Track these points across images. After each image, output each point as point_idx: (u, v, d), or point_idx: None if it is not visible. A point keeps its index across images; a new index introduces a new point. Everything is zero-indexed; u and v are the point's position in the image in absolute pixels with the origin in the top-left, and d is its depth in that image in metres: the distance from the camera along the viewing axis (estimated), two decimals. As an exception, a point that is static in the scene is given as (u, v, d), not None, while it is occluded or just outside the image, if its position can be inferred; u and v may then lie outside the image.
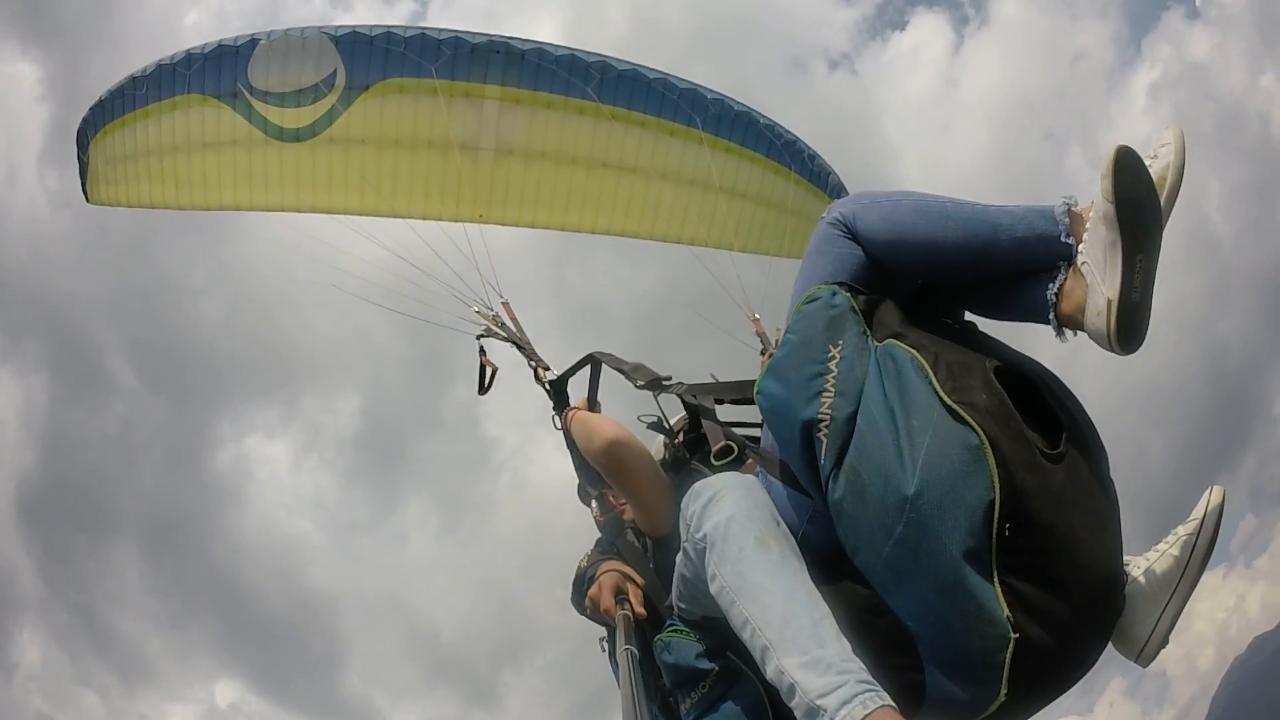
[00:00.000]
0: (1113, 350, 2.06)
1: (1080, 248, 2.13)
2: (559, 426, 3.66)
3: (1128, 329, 2.03)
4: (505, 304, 4.88)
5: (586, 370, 3.77)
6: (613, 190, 5.73)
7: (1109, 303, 2.02)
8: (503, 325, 4.70)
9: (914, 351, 2.09)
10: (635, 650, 2.41)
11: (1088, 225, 2.10)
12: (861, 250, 2.41)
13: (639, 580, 2.89)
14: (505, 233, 5.53)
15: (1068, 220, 2.16)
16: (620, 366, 3.43)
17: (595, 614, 2.92)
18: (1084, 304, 2.10)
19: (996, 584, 1.87)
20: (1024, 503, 1.87)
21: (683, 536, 2.37)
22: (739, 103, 5.94)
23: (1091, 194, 2.11)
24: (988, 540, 1.86)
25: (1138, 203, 2.00)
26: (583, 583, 2.98)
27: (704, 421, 2.98)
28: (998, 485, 1.85)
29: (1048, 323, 2.23)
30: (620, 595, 2.82)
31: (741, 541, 2.12)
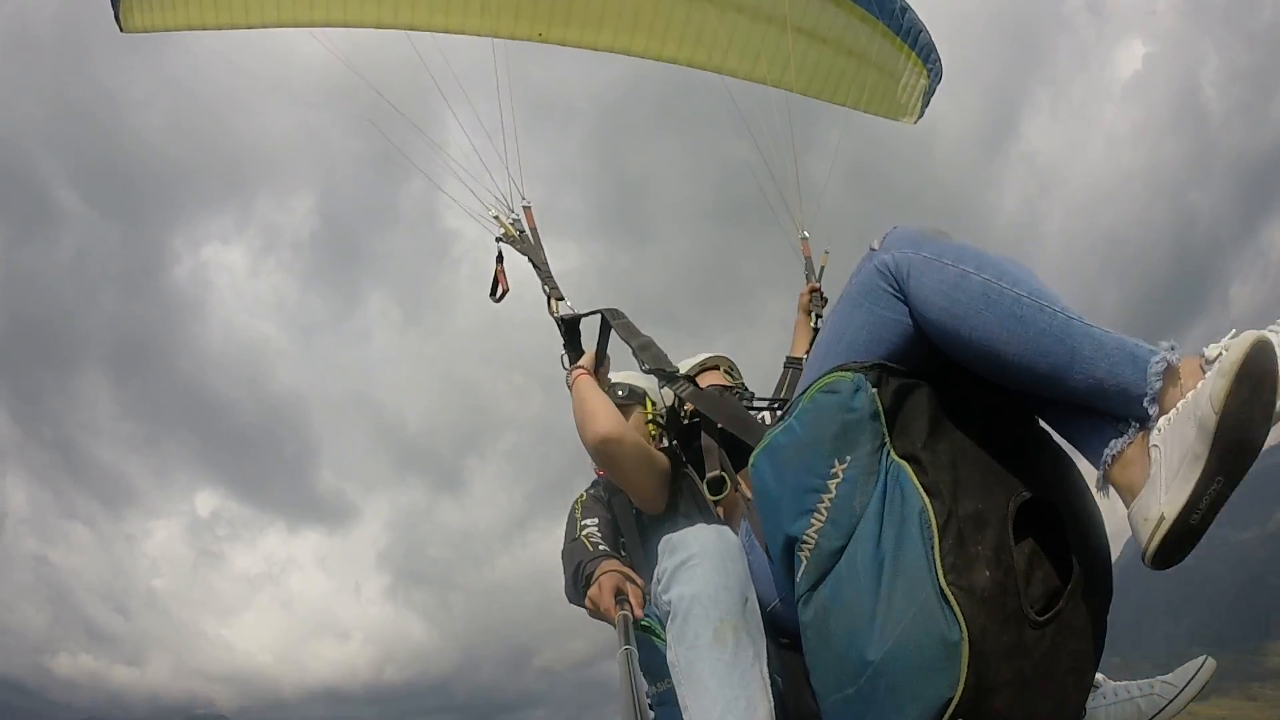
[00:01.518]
0: (1141, 559, 1.77)
1: (1160, 423, 1.77)
2: (566, 368, 3.49)
3: (1169, 554, 1.73)
4: (527, 208, 4.41)
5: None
6: (683, 18, 5.31)
7: (1162, 518, 1.71)
8: (522, 234, 4.31)
9: (926, 500, 1.88)
10: (635, 650, 2.36)
11: (1178, 407, 1.74)
12: (909, 315, 2.04)
13: (638, 581, 2.83)
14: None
15: (1160, 383, 1.77)
16: (629, 339, 3.26)
17: (595, 614, 2.87)
18: (1136, 491, 1.80)
19: None
20: (984, 702, 1.80)
21: (654, 576, 2.31)
22: (829, -62, 5.43)
23: (1199, 344, 1.77)
24: None
25: (1246, 423, 1.62)
26: (580, 578, 2.94)
27: (704, 438, 2.95)
28: (961, 687, 1.78)
29: (1093, 466, 1.92)
30: (620, 596, 2.76)
31: (699, 629, 2.11)
